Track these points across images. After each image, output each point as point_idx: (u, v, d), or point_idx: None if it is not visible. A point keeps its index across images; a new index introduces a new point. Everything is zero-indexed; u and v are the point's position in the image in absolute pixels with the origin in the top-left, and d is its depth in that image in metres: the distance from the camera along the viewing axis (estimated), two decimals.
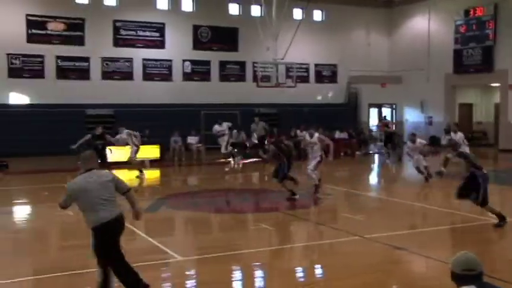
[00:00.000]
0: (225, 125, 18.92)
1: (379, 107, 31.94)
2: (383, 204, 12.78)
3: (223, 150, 18.39)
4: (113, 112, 25.53)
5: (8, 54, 24.48)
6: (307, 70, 30.64)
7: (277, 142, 12.80)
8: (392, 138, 25.06)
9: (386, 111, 31.68)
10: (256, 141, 21.38)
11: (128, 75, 26.90)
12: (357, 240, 8.77)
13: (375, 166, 22.40)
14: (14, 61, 24.67)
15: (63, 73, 25.60)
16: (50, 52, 25.15)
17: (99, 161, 13.59)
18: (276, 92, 25.70)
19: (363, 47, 31.54)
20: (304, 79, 29.75)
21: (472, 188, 9.29)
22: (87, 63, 26.06)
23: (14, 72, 24.69)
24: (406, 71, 30.51)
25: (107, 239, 5.81)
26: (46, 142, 21.72)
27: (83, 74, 25.98)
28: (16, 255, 8.36)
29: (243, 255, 8.15)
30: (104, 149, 16.31)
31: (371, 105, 31.54)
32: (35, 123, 22.74)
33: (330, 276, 7.10)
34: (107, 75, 26.45)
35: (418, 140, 15.57)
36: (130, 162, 17.00)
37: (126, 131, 17.28)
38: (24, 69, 24.88)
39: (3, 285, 6.80)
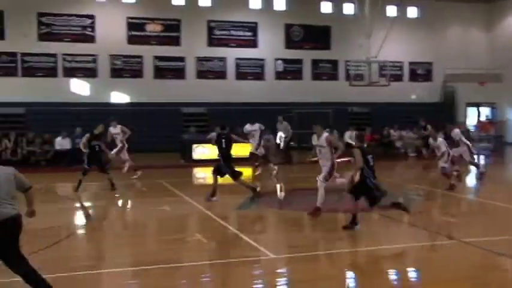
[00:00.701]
0: (257, 125, 17.50)
1: (478, 106, 30.45)
2: (481, 206, 12.17)
3: (253, 150, 17.20)
4: (206, 111, 26.16)
5: (110, 56, 25.77)
6: (401, 68, 29.80)
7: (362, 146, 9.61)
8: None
9: (485, 111, 30.15)
10: (280, 142, 20.64)
11: (221, 74, 27.46)
12: (454, 244, 8.40)
13: (471, 167, 21.34)
14: (115, 62, 25.94)
15: (160, 72, 26.58)
16: (148, 53, 26.21)
17: (96, 164, 13.72)
18: (369, 91, 25.21)
19: (459, 44, 30.22)
20: (398, 77, 28.97)
21: None
22: (182, 63, 26.89)
23: (116, 73, 25.99)
24: (507, 68, 28.85)
25: (3, 236, 5.48)
26: (145, 139, 22.63)
27: (179, 73, 26.83)
28: (117, 246, 8.78)
29: (335, 255, 8.05)
30: (101, 151, 14.29)
31: (469, 105, 30.13)
32: (135, 120, 23.68)
33: (425, 281, 6.84)
34: (201, 74, 27.14)
35: None
36: (109, 160, 15.51)
37: (120, 126, 16.28)
38: (124, 69, 26.11)
39: (107, 274, 7.17)
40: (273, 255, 7.76)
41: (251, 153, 17.41)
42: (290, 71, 28.46)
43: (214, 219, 10.27)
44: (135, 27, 26.23)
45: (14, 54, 24.59)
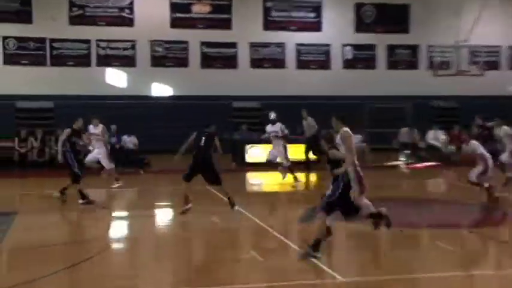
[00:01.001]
0: (279, 125, 16.78)
1: None
2: None
3: (281, 161, 16.60)
4: (261, 105, 26.20)
5: (151, 41, 26.17)
6: (497, 54, 28.91)
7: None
8: None
9: None
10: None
11: (279, 63, 27.44)
12: None
13: None
14: (157, 48, 26.34)
15: (207, 61, 26.80)
16: (194, 38, 26.47)
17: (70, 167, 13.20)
18: (457, 82, 24.61)
19: None
20: (494, 65, 28.12)
21: None
22: (234, 50, 27.02)
23: (157, 61, 26.40)
24: None
25: None
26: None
27: (230, 61, 26.98)
28: (157, 264, 8.85)
29: (414, 281, 7.85)
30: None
31: None
32: (178, 116, 23.91)
33: None
34: (255, 63, 27.21)
35: None
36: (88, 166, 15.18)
37: (102, 125, 16.03)
38: (167, 57, 26.48)
39: None
40: (341, 278, 7.65)
41: (269, 161, 16.91)
42: (361, 58, 28.13)
43: (272, 233, 10.22)
44: (179, 8, 26.54)
45: (42, 40, 25.27)
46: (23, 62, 25.05)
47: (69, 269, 7.92)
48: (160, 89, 26.46)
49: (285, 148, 16.73)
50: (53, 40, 25.38)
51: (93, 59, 25.90)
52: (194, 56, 26.70)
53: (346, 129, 8.41)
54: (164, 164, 19.82)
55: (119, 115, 22.49)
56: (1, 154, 20.98)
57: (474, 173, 12.92)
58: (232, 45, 27.00)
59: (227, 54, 27.02)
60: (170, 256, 9.21)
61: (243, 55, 27.10)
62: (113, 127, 21.02)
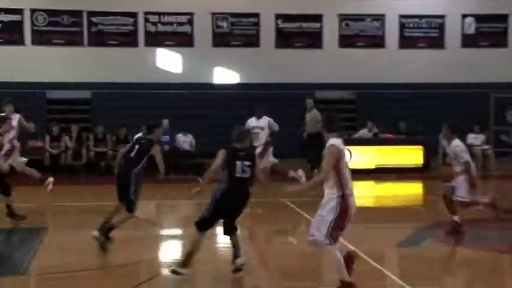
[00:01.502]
0: (265, 120, 16.76)
1: None
2: None
3: (268, 160, 16.22)
4: (353, 95, 26.15)
5: (213, 14, 26.50)
6: None
7: None
8: None
9: None
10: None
11: (376, 41, 27.32)
12: None
13: None
14: (220, 23, 26.71)
15: (284, 39, 26.98)
16: (268, 9, 26.69)
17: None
18: None
19: None
20: None
21: None
22: (318, 24, 27.06)
23: (220, 40, 26.78)
24: None
25: None
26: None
27: (313, 39, 27.08)
28: None
29: None
30: None
31: None
32: (246, 110, 24.00)
33: None
34: (345, 40, 27.22)
35: None
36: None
37: (19, 115, 15.18)
38: (233, 34, 26.82)
39: None
40: None
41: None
42: (486, 33, 27.64)
43: (364, 259, 10.22)
44: None
45: (78, 13, 25.99)
46: (55, 41, 25.82)
47: None
48: (224, 75, 26.76)
49: (266, 148, 16.49)
50: (91, 13, 26.05)
51: (141, 37, 26.43)
52: (267, 32, 26.88)
53: (334, 141, 8.06)
54: None
55: (173, 108, 22.91)
56: (30, 156, 21.64)
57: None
58: (316, 18, 27.06)
59: (309, 30, 27.10)
60: (234, 285, 9.36)
61: (330, 31, 27.10)
62: (165, 123, 21.37)
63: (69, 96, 24.98)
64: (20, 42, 25.65)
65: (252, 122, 16.82)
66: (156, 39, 26.46)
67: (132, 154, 11.45)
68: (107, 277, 9.61)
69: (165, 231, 13.45)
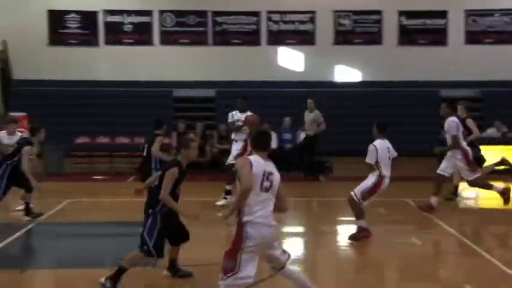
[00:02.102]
0: (240, 115, 15.85)
1: None
2: None
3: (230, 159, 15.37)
4: (480, 94, 25.62)
5: (335, 12, 26.54)
6: None
7: None
8: None
9: None
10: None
11: (506, 38, 26.66)
12: None
13: None
14: (342, 21, 26.81)
15: (407, 36, 26.76)
16: (390, 6, 26.50)
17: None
18: None
19: None
20: None
21: None
22: (443, 21, 26.67)
23: (343, 37, 27.03)
24: None
25: None
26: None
27: (437, 36, 26.75)
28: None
29: None
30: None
31: None
32: (369, 108, 23.81)
33: None
34: (472, 37, 26.75)
35: None
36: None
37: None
38: (354, 32, 27.00)
39: None
40: None
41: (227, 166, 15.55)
42: None
43: (489, 260, 10.06)
44: None
45: (203, 13, 26.67)
46: (182, 40, 26.58)
47: None
48: (346, 73, 26.77)
49: (246, 145, 15.21)
50: (215, 13, 26.63)
51: (263, 35, 26.80)
52: (390, 30, 26.71)
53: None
54: (349, 168, 20.16)
55: (294, 106, 23.01)
56: None
57: None
58: (441, 14, 26.65)
59: (434, 26, 26.76)
60: (355, 284, 9.43)
61: (456, 27, 26.64)
62: (287, 120, 21.60)
63: (194, 95, 25.57)
64: (149, 42, 26.53)
65: (236, 114, 16.08)
66: (278, 38, 26.74)
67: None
68: (209, 274, 9.78)
69: (285, 229, 13.55)
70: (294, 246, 11.71)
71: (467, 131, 14.58)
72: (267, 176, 7.11)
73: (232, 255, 7.01)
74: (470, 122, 15.05)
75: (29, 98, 24.14)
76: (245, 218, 7.01)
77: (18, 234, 12.47)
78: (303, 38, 26.81)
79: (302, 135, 21.37)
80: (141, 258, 8.74)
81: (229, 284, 6.97)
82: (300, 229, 13.95)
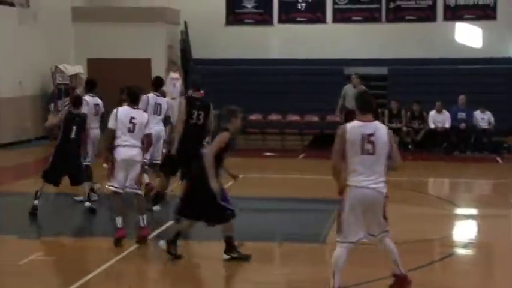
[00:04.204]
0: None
1: None
2: None
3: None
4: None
5: None
6: None
7: None
8: None
9: None
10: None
11: None
12: None
13: None
14: None
15: None
16: None
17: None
18: None
19: None
20: None
21: None
22: None
23: None
24: None
25: None
26: None
27: None
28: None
29: None
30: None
31: None
32: None
33: None
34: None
35: None
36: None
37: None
38: None
39: None
40: None
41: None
42: None
43: None
44: None
45: None
46: (354, 18, 26.44)
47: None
48: None
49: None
50: None
51: (440, 11, 26.04)
52: None
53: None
54: None
55: (471, 84, 22.45)
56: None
57: None
58: None
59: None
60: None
61: None
62: (462, 98, 21.08)
63: (366, 72, 25.34)
64: (322, 20, 26.56)
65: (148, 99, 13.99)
66: (455, 13, 25.94)
67: None
68: (403, 253, 9.77)
69: (459, 211, 13.29)
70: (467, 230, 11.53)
71: None
72: (366, 139, 7.19)
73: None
74: None
75: (206, 77, 24.84)
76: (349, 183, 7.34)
77: None
78: (482, 12, 25.80)
79: (480, 116, 20.84)
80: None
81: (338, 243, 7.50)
82: (474, 211, 13.65)
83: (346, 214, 7.36)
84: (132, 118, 10.21)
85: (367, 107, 7.50)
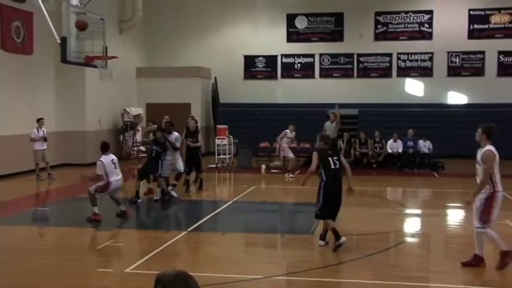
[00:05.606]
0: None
1: None
2: None
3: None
4: None
5: (448, 53, 25.53)
6: None
7: None
8: None
9: None
10: None
11: None
12: None
13: None
14: (453, 59, 25.60)
15: (504, 70, 25.19)
16: (491, 47, 25.07)
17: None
18: None
19: None
20: None
21: None
22: None
23: (453, 71, 25.65)
24: None
25: None
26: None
27: None
28: (447, 258, 8.82)
29: None
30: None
31: None
32: (471, 123, 22.82)
33: None
34: None
35: None
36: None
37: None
38: (463, 67, 25.54)
39: None
40: None
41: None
42: None
43: None
44: (477, 19, 25.38)
45: (350, 55, 26.43)
46: (335, 75, 26.54)
47: (365, 257, 8.39)
48: (456, 97, 25.64)
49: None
50: (360, 55, 26.34)
51: (394, 70, 26.20)
52: (490, 65, 25.29)
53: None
54: (457, 167, 19.36)
55: (416, 121, 22.50)
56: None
57: None
58: None
59: None
60: (459, 253, 9.04)
61: None
62: (410, 132, 21.13)
63: (342, 113, 25.30)
64: (312, 76, 26.69)
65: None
66: (405, 72, 26.02)
67: None
68: (365, 241, 9.75)
69: (408, 210, 13.26)
70: (414, 224, 11.36)
71: None
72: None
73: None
74: None
75: (229, 115, 24.97)
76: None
77: (220, 208, 13.02)
78: (423, 72, 25.93)
79: (422, 144, 20.81)
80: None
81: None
82: (418, 211, 13.58)
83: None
84: None
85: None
